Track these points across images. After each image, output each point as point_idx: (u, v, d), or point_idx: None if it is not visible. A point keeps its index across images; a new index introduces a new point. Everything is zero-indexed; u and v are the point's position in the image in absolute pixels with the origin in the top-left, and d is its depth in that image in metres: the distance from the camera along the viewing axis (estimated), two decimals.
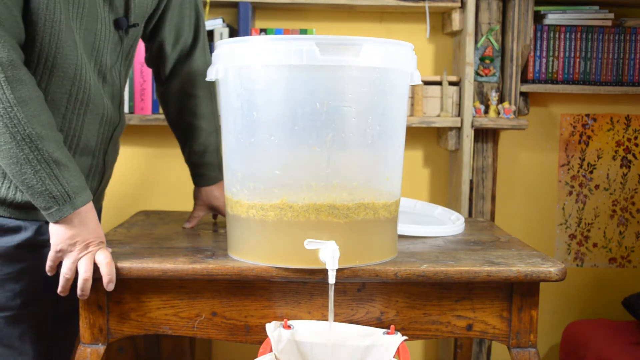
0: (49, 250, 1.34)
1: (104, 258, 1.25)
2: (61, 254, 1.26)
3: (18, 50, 1.20)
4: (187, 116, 1.60)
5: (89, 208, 1.27)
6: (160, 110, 2.21)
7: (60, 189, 1.22)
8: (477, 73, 2.37)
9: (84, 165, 1.38)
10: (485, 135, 2.40)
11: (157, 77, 1.63)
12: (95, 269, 1.26)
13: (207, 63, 1.61)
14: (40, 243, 1.33)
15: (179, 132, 1.63)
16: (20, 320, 1.33)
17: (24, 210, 1.31)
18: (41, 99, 1.23)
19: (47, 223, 1.34)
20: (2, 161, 1.21)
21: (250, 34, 2.27)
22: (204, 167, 1.61)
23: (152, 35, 1.57)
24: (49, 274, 1.29)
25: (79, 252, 1.25)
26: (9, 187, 1.30)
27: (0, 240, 1.30)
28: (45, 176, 1.21)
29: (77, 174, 1.25)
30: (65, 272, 1.26)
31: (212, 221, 1.70)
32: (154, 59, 1.61)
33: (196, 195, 1.65)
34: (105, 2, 1.33)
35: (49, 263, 1.27)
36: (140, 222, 1.69)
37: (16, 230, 1.31)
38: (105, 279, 1.25)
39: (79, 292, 1.26)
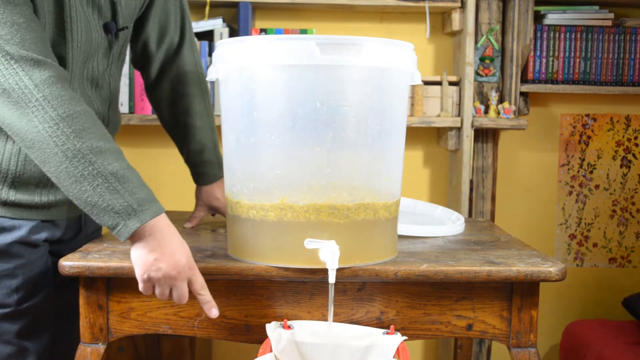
0: (44, 247, 1.36)
1: (200, 288, 1.20)
2: (150, 282, 1.19)
3: (54, 69, 1.15)
4: (182, 116, 1.59)
5: (164, 223, 1.17)
6: None
7: (122, 202, 1.13)
8: (477, 73, 2.37)
9: None
10: (485, 135, 2.40)
11: (145, 78, 1.61)
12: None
13: (197, 60, 1.60)
14: (34, 241, 1.33)
15: (175, 133, 1.62)
16: (17, 316, 1.33)
17: (18, 209, 1.31)
18: (89, 112, 1.16)
19: (42, 222, 1.34)
20: (63, 184, 1.13)
21: (250, 34, 2.27)
22: (204, 166, 1.61)
23: (136, 33, 1.54)
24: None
25: (170, 281, 1.18)
26: (1, 188, 1.30)
27: None
28: (105, 191, 1.12)
29: (140, 185, 1.17)
30: (161, 298, 1.21)
31: (212, 221, 1.70)
32: (139, 59, 1.58)
33: (197, 195, 1.65)
34: (94, 9, 1.31)
35: (142, 291, 1.20)
36: None
37: (10, 229, 1.31)
38: (205, 309, 1.22)
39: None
